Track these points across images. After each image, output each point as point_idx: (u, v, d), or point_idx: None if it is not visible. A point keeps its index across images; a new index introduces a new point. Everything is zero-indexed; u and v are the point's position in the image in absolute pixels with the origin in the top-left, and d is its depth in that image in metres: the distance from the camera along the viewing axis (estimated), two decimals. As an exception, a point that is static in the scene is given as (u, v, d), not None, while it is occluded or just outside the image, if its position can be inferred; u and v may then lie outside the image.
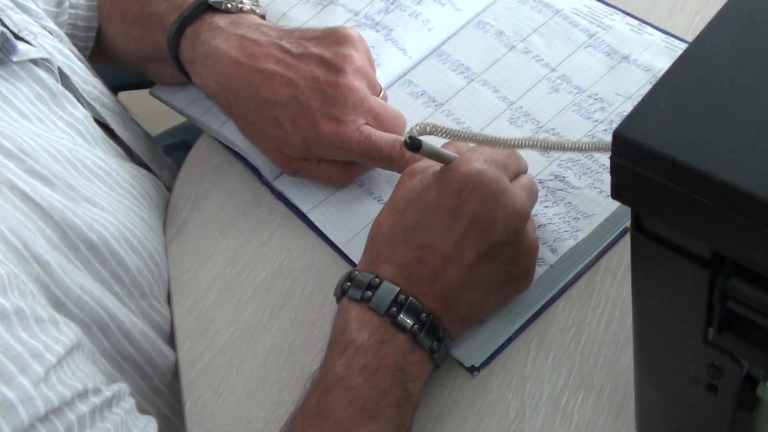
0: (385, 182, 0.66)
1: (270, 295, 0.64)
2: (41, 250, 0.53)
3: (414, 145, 0.49)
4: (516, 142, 0.52)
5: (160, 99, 0.79)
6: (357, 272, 0.54)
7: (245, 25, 0.67)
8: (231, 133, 0.71)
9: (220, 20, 0.67)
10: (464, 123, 0.67)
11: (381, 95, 0.66)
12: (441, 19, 0.73)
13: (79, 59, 0.72)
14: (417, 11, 0.73)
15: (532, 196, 0.56)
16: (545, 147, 0.53)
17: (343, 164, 0.65)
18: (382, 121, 0.63)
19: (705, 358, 0.36)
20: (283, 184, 0.68)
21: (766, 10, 0.33)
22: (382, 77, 0.70)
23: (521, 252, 0.53)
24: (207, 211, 0.70)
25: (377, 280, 0.52)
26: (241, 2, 0.69)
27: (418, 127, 0.49)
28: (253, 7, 0.70)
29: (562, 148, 0.53)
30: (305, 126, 0.62)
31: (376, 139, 0.62)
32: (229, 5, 0.68)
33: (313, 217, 0.66)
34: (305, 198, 0.67)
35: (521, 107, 0.66)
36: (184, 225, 0.70)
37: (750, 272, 0.30)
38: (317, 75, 0.62)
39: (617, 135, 0.30)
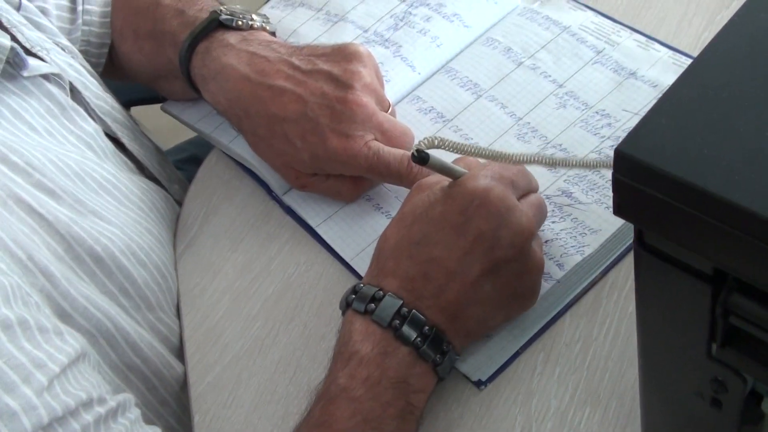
0: (393, 197, 0.66)
1: (278, 308, 0.64)
2: (46, 261, 0.54)
3: (421, 158, 0.49)
4: (522, 158, 0.52)
5: (171, 114, 0.80)
6: (362, 285, 0.54)
7: (255, 42, 0.68)
8: (241, 148, 0.72)
9: (231, 37, 0.68)
10: (472, 138, 0.67)
11: (390, 111, 0.67)
12: (449, 35, 0.73)
13: (92, 75, 0.73)
14: (426, 28, 0.74)
15: (540, 214, 0.56)
16: (551, 163, 0.53)
17: (352, 179, 0.66)
18: (390, 136, 0.64)
19: (708, 372, 0.36)
20: (292, 199, 0.69)
21: (767, 29, 0.33)
22: (391, 93, 0.71)
23: (526, 269, 0.53)
24: (217, 226, 0.71)
25: (381, 292, 0.52)
26: (252, 19, 0.70)
27: (426, 141, 0.50)
28: (264, 24, 0.71)
29: (568, 164, 0.53)
30: (314, 141, 0.63)
31: (384, 154, 0.62)
32: (240, 22, 0.69)
33: (321, 231, 0.66)
34: (314, 213, 0.68)
35: (528, 123, 0.66)
36: (194, 239, 0.71)
37: (752, 288, 0.31)
38: (326, 91, 0.63)
39: (618, 152, 0.30)
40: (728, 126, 0.30)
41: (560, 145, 0.64)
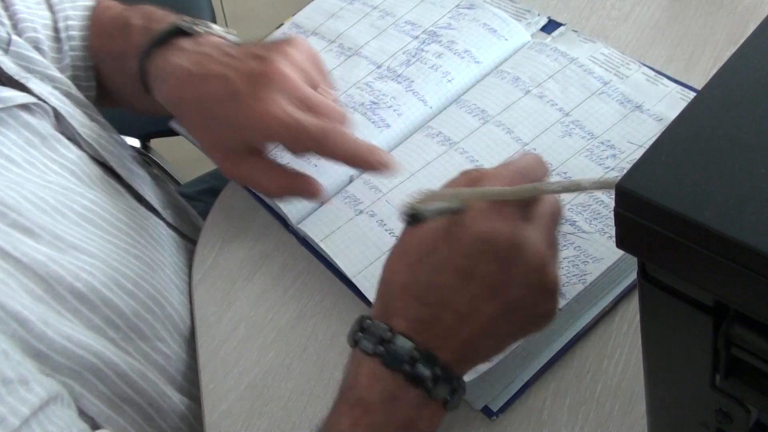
0: (397, 215, 0.67)
1: (292, 338, 0.65)
2: (19, 306, 0.54)
3: (416, 218, 0.48)
4: (512, 192, 0.50)
5: (179, 132, 0.80)
6: (369, 321, 0.51)
7: (206, 44, 0.69)
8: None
9: (186, 43, 0.69)
10: (477, 161, 0.68)
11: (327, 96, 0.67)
12: (460, 71, 0.75)
13: (77, 103, 0.73)
14: (437, 64, 0.75)
15: (554, 223, 0.52)
16: (543, 191, 0.51)
17: (280, 170, 0.67)
18: (317, 111, 0.64)
19: (713, 403, 0.36)
20: (303, 224, 0.70)
21: (765, 68, 0.34)
22: (403, 126, 0.72)
23: (542, 298, 0.51)
24: (233, 256, 0.72)
25: (390, 333, 0.50)
26: (210, 28, 0.71)
27: (415, 198, 0.49)
28: (225, 34, 0.72)
29: (564, 189, 0.50)
30: (232, 109, 0.64)
31: (302, 119, 0.62)
32: (198, 29, 0.70)
33: (324, 245, 0.67)
34: (317, 228, 0.69)
35: (534, 149, 0.67)
36: (210, 269, 0.72)
37: (753, 320, 0.31)
38: (251, 66, 0.64)
39: (620, 187, 0.31)
40: (727, 162, 0.31)
41: (565, 173, 0.65)
